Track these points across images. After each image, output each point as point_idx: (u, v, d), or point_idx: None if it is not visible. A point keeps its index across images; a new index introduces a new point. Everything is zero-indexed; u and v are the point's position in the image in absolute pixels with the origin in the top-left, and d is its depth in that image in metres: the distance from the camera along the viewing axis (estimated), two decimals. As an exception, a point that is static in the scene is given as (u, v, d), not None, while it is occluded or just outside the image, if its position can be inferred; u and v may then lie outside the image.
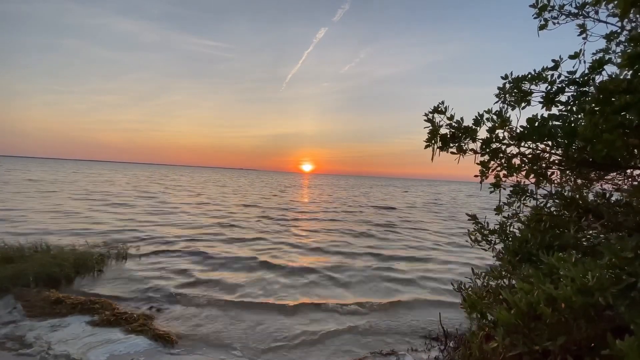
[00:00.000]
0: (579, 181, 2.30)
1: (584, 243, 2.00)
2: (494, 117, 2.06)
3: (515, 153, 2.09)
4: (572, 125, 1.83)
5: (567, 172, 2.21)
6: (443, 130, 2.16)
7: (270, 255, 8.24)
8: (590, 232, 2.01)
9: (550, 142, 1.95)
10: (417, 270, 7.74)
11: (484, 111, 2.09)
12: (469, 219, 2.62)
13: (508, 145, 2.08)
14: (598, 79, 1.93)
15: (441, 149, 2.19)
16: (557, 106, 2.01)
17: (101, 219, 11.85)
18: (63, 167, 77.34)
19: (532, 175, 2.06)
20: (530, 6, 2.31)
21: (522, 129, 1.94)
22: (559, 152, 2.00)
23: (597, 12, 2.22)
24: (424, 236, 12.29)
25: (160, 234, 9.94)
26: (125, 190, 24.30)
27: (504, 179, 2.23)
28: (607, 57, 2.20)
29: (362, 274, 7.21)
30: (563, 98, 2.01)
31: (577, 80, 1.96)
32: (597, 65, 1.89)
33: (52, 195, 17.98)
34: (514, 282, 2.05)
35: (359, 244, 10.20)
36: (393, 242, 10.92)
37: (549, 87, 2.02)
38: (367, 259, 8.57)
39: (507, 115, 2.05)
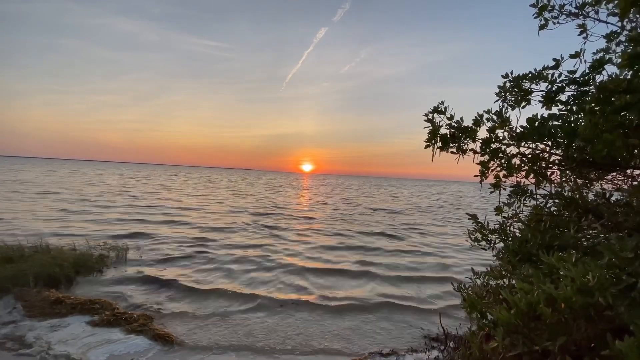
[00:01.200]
0: (579, 181, 2.30)
1: (584, 243, 2.00)
2: (494, 117, 2.06)
3: (515, 153, 2.10)
4: (572, 125, 1.83)
5: (567, 172, 2.21)
6: (443, 131, 2.16)
7: (258, 281, 6.62)
8: (590, 232, 2.01)
9: (550, 142, 1.95)
10: (442, 297, 6.20)
11: (484, 111, 2.09)
12: (469, 219, 2.62)
13: (508, 145, 2.08)
14: (598, 78, 1.93)
15: (441, 149, 2.19)
16: (557, 105, 2.01)
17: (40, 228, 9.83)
18: (57, 167, 75.27)
19: (531, 175, 2.06)
20: (531, 6, 2.30)
21: (522, 129, 1.94)
22: (559, 152, 2.00)
23: (597, 12, 2.22)
24: (439, 249, 10.60)
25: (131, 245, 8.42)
26: (107, 191, 22.76)
27: (504, 180, 2.23)
28: (607, 56, 2.20)
29: (374, 314, 5.35)
30: (563, 97, 2.02)
31: (578, 79, 1.96)
32: (598, 65, 1.89)
33: (13, 198, 16.26)
34: (514, 282, 2.05)
35: (364, 262, 8.41)
36: (405, 257, 9.11)
37: (549, 86, 2.02)
38: (376, 285, 6.78)
39: (507, 115, 2.05)
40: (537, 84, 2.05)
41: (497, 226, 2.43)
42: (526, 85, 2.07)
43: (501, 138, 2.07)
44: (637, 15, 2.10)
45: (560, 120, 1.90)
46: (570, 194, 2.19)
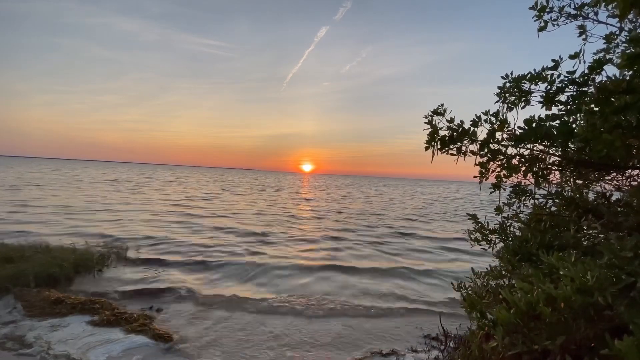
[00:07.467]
0: (579, 181, 2.30)
1: (584, 243, 2.00)
2: (492, 118, 2.07)
3: (514, 154, 2.10)
4: (569, 125, 1.84)
5: (566, 172, 2.22)
6: (442, 132, 2.17)
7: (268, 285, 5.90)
8: (590, 232, 2.01)
9: (548, 143, 1.96)
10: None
11: (482, 113, 2.09)
12: (469, 219, 2.62)
13: (507, 146, 2.09)
14: (598, 79, 1.94)
15: (441, 150, 2.20)
16: (557, 105, 2.02)
17: None
18: (45, 166, 70.62)
19: (530, 175, 2.07)
20: (530, 8, 2.31)
21: (520, 130, 1.94)
22: (558, 152, 2.01)
23: (596, 14, 2.22)
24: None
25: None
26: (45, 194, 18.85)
27: (504, 180, 2.24)
28: (607, 57, 2.21)
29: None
30: (562, 98, 2.02)
31: (577, 80, 1.97)
32: (597, 65, 1.90)
33: None
34: (513, 281, 2.05)
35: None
36: None
37: (549, 86, 2.03)
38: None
39: (505, 117, 2.06)
40: (536, 85, 2.06)
41: (497, 226, 2.44)
42: (526, 85, 2.07)
43: (499, 139, 2.08)
44: (637, 17, 2.10)
45: (557, 121, 1.91)
46: (570, 194, 2.19)
